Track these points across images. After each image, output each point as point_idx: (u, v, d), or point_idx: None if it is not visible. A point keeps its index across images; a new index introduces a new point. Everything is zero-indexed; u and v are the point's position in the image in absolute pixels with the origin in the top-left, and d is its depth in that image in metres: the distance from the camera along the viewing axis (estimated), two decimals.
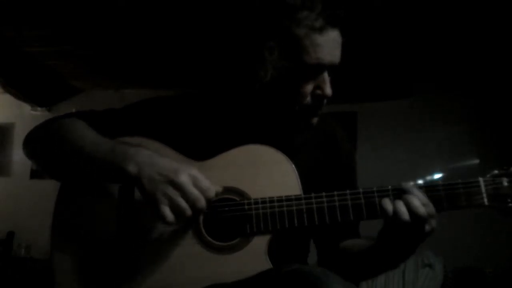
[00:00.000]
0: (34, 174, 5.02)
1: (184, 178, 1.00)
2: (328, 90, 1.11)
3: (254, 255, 1.06)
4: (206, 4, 3.25)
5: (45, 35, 3.94)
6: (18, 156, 5.09)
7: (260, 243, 1.07)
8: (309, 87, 1.11)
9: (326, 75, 1.12)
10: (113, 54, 4.30)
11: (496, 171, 1.04)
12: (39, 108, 5.25)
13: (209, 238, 1.08)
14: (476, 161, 4.25)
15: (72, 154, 1.10)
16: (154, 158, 1.03)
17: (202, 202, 1.00)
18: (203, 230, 1.08)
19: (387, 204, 1.01)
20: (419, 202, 0.99)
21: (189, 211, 0.99)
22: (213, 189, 1.02)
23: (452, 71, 4.28)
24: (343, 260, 1.21)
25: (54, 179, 1.18)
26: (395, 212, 0.99)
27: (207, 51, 3.81)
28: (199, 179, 1.01)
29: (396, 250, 1.07)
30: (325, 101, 1.14)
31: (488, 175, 1.04)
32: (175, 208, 0.99)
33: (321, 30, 1.07)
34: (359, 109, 4.66)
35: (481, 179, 1.03)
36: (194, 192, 1.00)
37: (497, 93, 4.24)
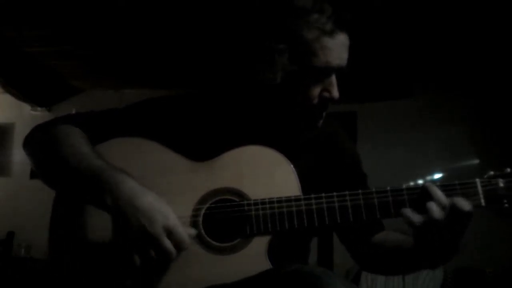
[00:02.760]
0: (34, 174, 4.98)
1: (157, 230, 0.99)
2: (336, 93, 1.12)
3: (254, 256, 1.06)
4: (207, 4, 3.25)
5: (45, 35, 3.94)
6: (18, 156, 5.08)
7: (260, 244, 1.06)
8: (316, 90, 1.11)
9: (334, 78, 1.12)
10: (113, 54, 4.30)
11: (492, 172, 1.04)
12: (39, 108, 5.24)
13: (209, 239, 1.08)
14: (476, 161, 4.25)
15: (61, 171, 1.11)
16: (134, 194, 1.02)
17: (173, 256, 1.00)
18: (203, 231, 1.08)
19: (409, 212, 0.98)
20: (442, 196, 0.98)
21: (157, 261, 1.00)
22: (187, 242, 1.01)
23: (452, 71, 4.28)
24: (382, 255, 1.21)
25: (46, 185, 1.18)
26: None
27: (208, 51, 3.81)
28: (174, 232, 1.00)
29: (433, 250, 1.03)
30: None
31: (484, 176, 1.04)
32: (144, 258, 0.99)
33: (331, 33, 1.08)
34: (359, 109, 4.66)
35: (477, 180, 1.03)
36: (167, 245, 0.99)
37: (497, 93, 4.24)
